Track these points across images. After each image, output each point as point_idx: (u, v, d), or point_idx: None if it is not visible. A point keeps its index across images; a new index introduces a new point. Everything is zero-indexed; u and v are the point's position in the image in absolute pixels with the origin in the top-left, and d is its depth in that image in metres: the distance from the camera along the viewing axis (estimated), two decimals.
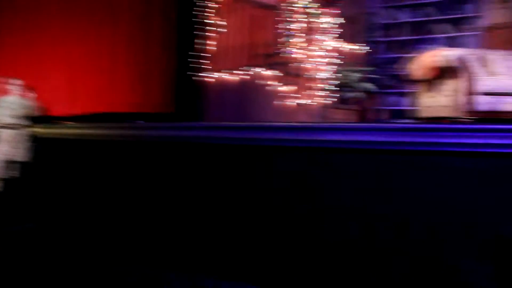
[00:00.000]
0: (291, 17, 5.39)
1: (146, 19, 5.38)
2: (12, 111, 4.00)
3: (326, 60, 5.24)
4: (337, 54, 5.40)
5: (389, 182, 2.46)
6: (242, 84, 5.26)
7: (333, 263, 2.51)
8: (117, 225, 3.28)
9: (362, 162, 2.47)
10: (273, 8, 5.57)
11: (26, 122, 3.98)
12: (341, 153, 2.50)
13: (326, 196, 2.54)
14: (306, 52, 5.25)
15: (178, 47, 5.47)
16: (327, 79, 5.14)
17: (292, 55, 5.28)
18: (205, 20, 5.42)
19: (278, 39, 5.41)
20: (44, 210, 3.93)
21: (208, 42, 5.41)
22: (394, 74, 7.49)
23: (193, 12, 5.43)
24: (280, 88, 5.19)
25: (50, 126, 4.23)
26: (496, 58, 5.17)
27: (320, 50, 5.30)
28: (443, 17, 7.75)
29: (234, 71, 5.32)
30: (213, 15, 5.46)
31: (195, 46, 5.42)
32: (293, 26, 5.35)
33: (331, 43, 5.30)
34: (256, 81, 5.22)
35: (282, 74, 5.23)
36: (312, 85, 5.25)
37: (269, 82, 5.22)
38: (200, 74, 5.31)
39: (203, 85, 5.33)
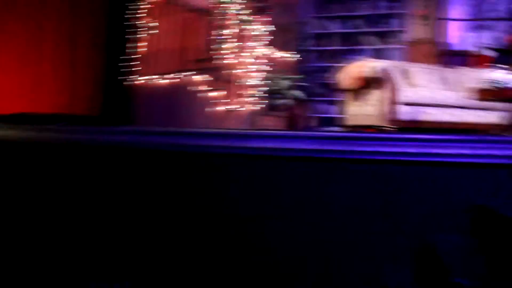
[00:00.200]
0: (224, 23, 5.40)
1: (75, 19, 5.21)
2: None
3: (257, 67, 5.30)
4: (268, 61, 5.47)
5: (313, 189, 2.50)
6: (173, 88, 5.20)
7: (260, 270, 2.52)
8: (35, 233, 3.13)
9: (285, 169, 2.50)
10: (205, 12, 5.55)
11: None
12: (266, 159, 2.52)
13: (249, 203, 2.55)
14: (237, 58, 5.28)
15: (108, 48, 5.33)
16: (258, 85, 5.19)
17: (224, 61, 5.29)
18: (136, 22, 5.31)
19: (210, 44, 5.40)
20: None
21: (139, 45, 5.30)
22: (324, 82, 7.72)
23: (125, 14, 5.30)
24: (210, 94, 5.18)
25: None
26: (417, 70, 5.46)
27: (251, 57, 5.34)
28: (371, 30, 8.08)
29: (165, 75, 5.25)
30: (145, 17, 5.36)
31: (126, 48, 5.29)
32: (225, 31, 5.35)
33: (262, 50, 5.36)
34: (187, 86, 5.18)
35: (213, 80, 5.22)
36: (243, 91, 5.28)
37: (200, 88, 5.20)
38: (130, 77, 5.18)
39: (133, 88, 5.21)
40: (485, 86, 4.16)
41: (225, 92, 5.20)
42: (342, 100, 5.74)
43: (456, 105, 5.14)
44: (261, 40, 5.35)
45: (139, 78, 5.17)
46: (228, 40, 5.31)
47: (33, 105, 4.86)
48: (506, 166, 2.28)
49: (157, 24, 5.38)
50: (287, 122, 5.61)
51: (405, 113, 4.88)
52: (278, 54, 5.72)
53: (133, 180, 2.77)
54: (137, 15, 5.24)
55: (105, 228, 2.84)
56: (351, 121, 5.53)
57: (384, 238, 2.38)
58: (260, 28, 5.37)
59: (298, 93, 5.45)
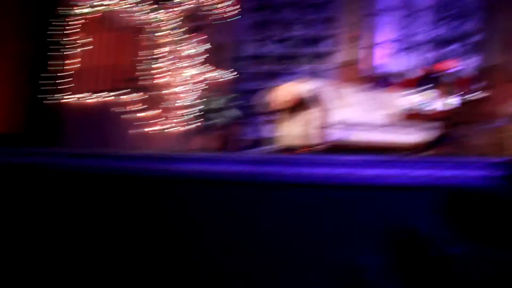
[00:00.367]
0: (156, 42, 5.34)
1: None
2: None
3: (190, 86, 5.26)
4: (202, 81, 5.45)
5: (240, 212, 2.48)
6: (102, 107, 5.05)
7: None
8: None
9: (213, 192, 2.47)
10: (138, 31, 5.47)
11: None
12: (192, 183, 2.49)
13: (175, 226, 2.50)
14: (170, 77, 5.22)
15: (34, 66, 5.13)
16: (190, 105, 5.15)
17: (156, 80, 5.21)
18: (65, 40, 5.15)
19: (142, 63, 5.31)
20: None
21: (67, 62, 5.14)
22: (258, 103, 7.77)
23: (52, 31, 5.13)
24: (141, 114, 5.08)
25: None
26: (348, 92, 5.61)
27: (184, 77, 5.30)
28: (305, 51, 8.26)
29: (95, 94, 5.10)
30: (75, 34, 5.21)
31: (53, 66, 5.11)
32: (157, 50, 5.29)
33: (196, 70, 5.34)
34: (117, 105, 5.05)
35: (144, 99, 5.13)
36: (175, 111, 5.21)
37: (130, 107, 5.08)
38: (57, 95, 5.00)
39: (60, 106, 5.02)
40: (410, 108, 4.34)
41: (156, 112, 5.12)
42: (275, 120, 5.80)
43: (384, 125, 5.32)
44: (194, 60, 5.33)
45: (67, 96, 5.00)
46: (161, 59, 5.25)
47: None
48: (427, 186, 2.37)
49: (87, 41, 5.24)
50: (220, 142, 5.59)
51: (335, 133, 4.99)
52: (213, 74, 5.70)
53: (49, 200, 2.65)
54: (65, 32, 5.09)
55: (24, 250, 2.69)
56: (283, 142, 5.58)
57: (309, 258, 2.40)
58: (193, 47, 5.35)
59: (232, 113, 5.45)
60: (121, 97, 4.99)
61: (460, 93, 4.56)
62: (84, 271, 2.54)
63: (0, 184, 2.80)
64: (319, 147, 4.94)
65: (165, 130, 5.14)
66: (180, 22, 5.34)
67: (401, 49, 8.54)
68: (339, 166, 2.44)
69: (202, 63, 5.48)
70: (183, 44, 5.37)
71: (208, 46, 5.78)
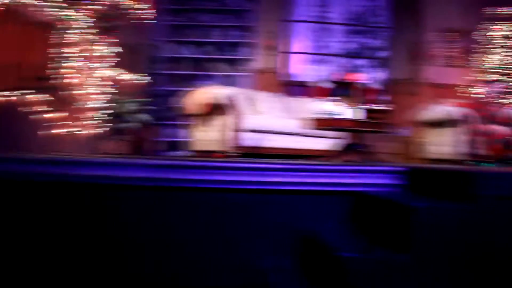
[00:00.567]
0: (67, 40, 5.09)
1: None
2: None
3: (102, 88, 5.06)
4: (114, 83, 5.27)
5: (151, 218, 2.43)
6: (7, 107, 4.72)
7: None
8: None
9: (121, 197, 2.39)
10: (47, 27, 5.18)
11: None
12: (100, 188, 2.39)
13: (81, 232, 2.39)
14: (80, 78, 4.99)
15: None
16: (101, 108, 4.96)
17: (65, 81, 4.96)
18: None
19: (51, 62, 5.04)
20: None
21: None
22: (173, 106, 7.68)
23: None
24: (49, 115, 4.81)
25: None
26: (262, 98, 5.71)
27: (96, 78, 5.09)
28: (221, 57, 8.29)
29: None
30: None
31: None
32: (67, 50, 5.04)
33: (108, 71, 5.15)
34: (24, 105, 4.74)
35: (52, 100, 4.86)
36: (85, 113, 5.00)
37: (38, 108, 4.80)
38: None
39: None
40: (321, 115, 4.48)
41: (64, 114, 4.87)
42: (189, 125, 5.76)
43: (296, 132, 5.46)
44: (106, 61, 5.14)
45: None
46: (71, 58, 5.01)
47: None
48: (334, 192, 2.45)
49: None
50: (132, 146, 5.44)
51: (249, 139, 5.05)
52: (126, 76, 5.53)
53: None
54: None
55: None
56: (197, 146, 5.56)
57: (217, 261, 2.40)
58: (106, 48, 5.16)
59: (145, 117, 5.32)
60: (28, 96, 4.69)
61: (367, 104, 4.79)
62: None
63: None
64: (232, 152, 4.97)
65: (75, 133, 4.90)
66: (93, 21, 5.13)
67: (315, 59, 8.84)
68: (250, 171, 2.46)
69: (115, 65, 5.30)
70: (95, 44, 5.16)
71: (122, 47, 5.60)
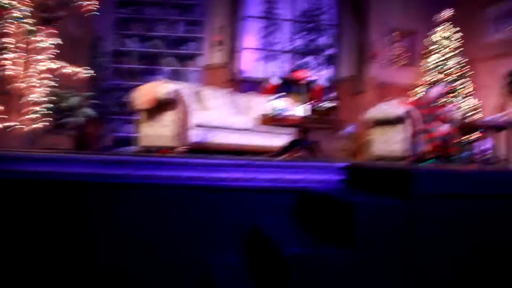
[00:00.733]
0: (4, 31, 4.84)
1: None
2: None
3: (43, 81, 4.86)
4: (56, 76, 5.07)
5: (97, 215, 2.35)
6: None
7: None
8: None
9: (62, 194, 2.31)
10: None
11: None
12: (40, 184, 2.29)
13: (22, 229, 2.29)
14: (19, 70, 4.77)
15: None
16: (42, 102, 4.76)
17: (4, 72, 4.73)
18: None
19: None
20: None
21: None
22: (120, 101, 7.51)
23: None
24: None
25: None
26: (210, 94, 5.66)
27: (37, 70, 4.88)
28: (170, 51, 8.16)
29: None
30: None
31: None
32: (5, 40, 4.80)
33: (50, 64, 4.95)
34: None
35: None
36: (24, 107, 4.78)
37: None
38: None
39: None
40: (268, 112, 4.49)
41: (2, 107, 4.64)
42: (137, 120, 5.65)
43: (244, 128, 5.46)
44: (48, 53, 4.93)
45: None
46: (8, 50, 4.77)
47: None
48: (280, 189, 2.46)
49: None
50: (76, 141, 5.26)
51: (196, 135, 4.99)
52: (69, 69, 5.34)
53: None
54: None
55: None
56: (145, 142, 5.45)
57: (164, 260, 2.36)
58: (47, 40, 4.95)
59: (89, 111, 5.16)
60: None
61: (314, 101, 4.84)
62: None
63: None
64: (179, 148, 4.91)
65: (13, 128, 4.68)
66: (33, 11, 4.90)
67: (264, 55, 8.87)
68: (197, 167, 2.43)
69: (57, 57, 5.10)
70: (35, 35, 4.94)
71: (64, 39, 5.40)
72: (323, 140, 5.95)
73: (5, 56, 4.67)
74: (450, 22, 8.40)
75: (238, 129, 5.41)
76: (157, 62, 8.15)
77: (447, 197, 1.79)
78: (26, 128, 4.64)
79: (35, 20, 4.85)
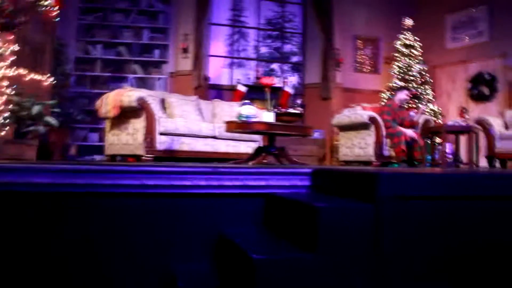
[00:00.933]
0: None
1: None
2: None
3: (3, 89, 4.71)
4: (18, 84, 4.93)
5: (61, 225, 2.29)
6: None
7: None
8: None
9: (20, 204, 2.24)
10: None
11: None
12: None
13: None
14: None
15: None
16: (3, 110, 4.62)
17: None
18: None
19: None
20: None
21: None
22: (85, 109, 7.39)
23: None
24: None
25: None
26: (176, 101, 5.62)
27: None
28: (135, 59, 8.07)
29: None
30: None
31: None
32: None
33: (8, 71, 4.81)
34: None
35: None
36: None
37: None
38: None
39: None
40: (235, 118, 4.49)
41: None
42: (102, 129, 5.56)
43: (210, 135, 5.44)
44: (6, 60, 4.79)
45: None
46: None
47: None
48: (246, 195, 2.46)
49: None
50: (39, 151, 5.13)
51: (162, 142, 4.95)
52: (29, 76, 5.21)
53: None
54: None
55: None
56: (110, 150, 5.36)
57: (127, 269, 2.32)
58: (7, 47, 4.82)
59: (52, 120, 5.03)
60: None
61: (281, 107, 4.87)
62: None
63: None
64: (145, 156, 4.85)
65: None
66: None
67: (231, 63, 8.88)
68: (162, 175, 2.40)
69: (18, 65, 4.97)
70: None
71: (25, 46, 5.27)
72: (290, 145, 5.99)
73: None
74: (412, 30, 8.61)
75: (205, 136, 5.38)
76: (122, 70, 8.06)
77: (411, 199, 1.83)
78: None
79: None
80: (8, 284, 2.22)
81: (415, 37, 8.58)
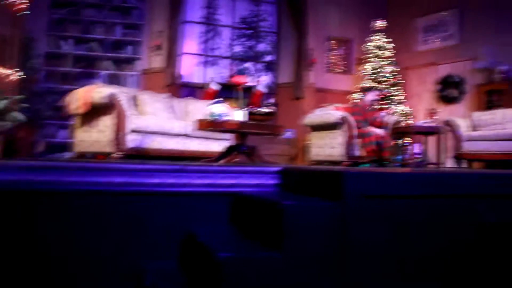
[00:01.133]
0: None
1: None
2: None
3: None
4: None
5: (29, 223, 2.25)
6: None
7: None
8: None
9: None
10: None
11: None
12: None
13: None
14: None
15: None
16: None
17: None
18: None
19: None
20: None
21: None
22: (55, 105, 7.24)
23: None
24: None
25: None
26: (148, 99, 5.57)
27: None
28: (106, 55, 7.96)
29: None
30: None
31: None
32: None
33: None
34: None
35: None
36: None
37: None
38: None
39: None
40: (207, 117, 4.47)
41: None
42: (71, 125, 5.47)
43: (182, 133, 5.41)
44: None
45: None
46: None
47: None
48: (215, 193, 2.45)
49: None
50: (5, 147, 5.01)
51: (133, 140, 4.89)
52: None
53: None
54: None
55: None
56: (80, 147, 5.28)
57: (94, 267, 2.29)
58: None
59: (20, 116, 4.93)
60: None
61: (253, 106, 4.88)
62: None
63: None
64: (116, 154, 4.79)
65: None
66: None
67: (204, 61, 8.85)
68: (131, 173, 2.38)
69: None
70: None
71: None
72: (262, 145, 6.01)
73: None
74: (384, 32, 8.73)
75: (176, 134, 5.35)
76: (94, 66, 7.93)
77: (376, 198, 1.86)
78: None
79: None
80: None
81: (387, 39, 8.70)
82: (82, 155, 5.34)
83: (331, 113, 6.08)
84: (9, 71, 5.37)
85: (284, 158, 8.02)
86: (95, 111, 5.01)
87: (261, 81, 8.49)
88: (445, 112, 8.31)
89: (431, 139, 6.57)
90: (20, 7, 5.36)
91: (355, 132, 5.92)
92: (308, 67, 8.68)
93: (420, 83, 9.09)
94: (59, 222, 2.28)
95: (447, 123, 6.57)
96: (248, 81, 5.35)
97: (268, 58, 9.29)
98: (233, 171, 2.53)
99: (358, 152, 5.94)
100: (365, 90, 6.59)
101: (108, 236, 2.33)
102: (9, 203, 2.23)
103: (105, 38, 7.97)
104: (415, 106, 8.93)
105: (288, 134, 8.37)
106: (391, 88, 8.43)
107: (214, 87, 7.38)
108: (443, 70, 8.69)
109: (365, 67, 8.65)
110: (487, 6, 8.04)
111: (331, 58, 9.33)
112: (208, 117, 4.42)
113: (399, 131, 6.17)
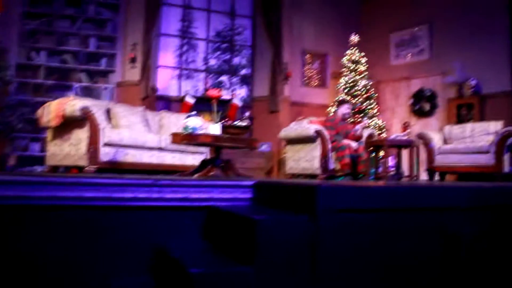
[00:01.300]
0: None
1: None
2: None
3: None
4: None
5: None
6: None
7: None
8: None
9: None
10: None
11: None
12: None
13: None
14: None
15: None
16: None
17: None
18: None
19: None
20: None
21: None
22: (26, 118, 7.12)
23: None
24: None
25: None
26: (122, 111, 5.51)
27: None
28: (80, 67, 7.87)
29: None
30: None
31: None
32: None
33: None
34: None
35: None
36: None
37: None
38: None
39: None
40: (182, 130, 4.45)
41: None
42: (44, 138, 5.37)
43: (157, 147, 5.36)
44: None
45: None
46: None
47: None
48: (188, 208, 2.43)
49: None
50: None
51: (106, 153, 4.83)
52: None
53: None
54: None
55: None
56: (52, 161, 5.19)
57: (62, 284, 2.24)
58: None
59: None
60: None
61: (228, 119, 4.88)
62: None
63: None
64: (89, 168, 4.72)
65: None
66: None
67: (179, 74, 8.82)
68: (104, 187, 2.35)
69: None
70: None
71: None
72: (237, 158, 6.00)
73: None
74: (358, 47, 8.86)
75: (151, 148, 5.30)
76: (67, 78, 7.83)
77: (349, 212, 1.86)
78: None
79: None
80: None
81: (362, 53, 8.83)
82: (55, 169, 5.25)
83: (306, 126, 6.12)
84: None
85: (260, 171, 8.02)
86: (68, 124, 4.93)
87: (237, 95, 8.52)
88: (418, 126, 8.45)
89: (405, 152, 6.66)
90: None
91: (330, 145, 5.96)
92: (283, 80, 8.73)
93: (393, 97, 9.24)
94: (26, 238, 2.23)
95: (420, 136, 6.67)
96: (223, 94, 5.35)
97: (243, 71, 9.32)
98: (207, 185, 2.51)
99: (333, 165, 5.97)
100: (338, 103, 6.66)
101: (77, 252, 2.28)
102: None
103: (79, 50, 7.89)
104: (389, 120, 9.06)
105: (264, 147, 8.38)
106: (366, 102, 8.54)
107: (190, 100, 7.38)
108: (416, 84, 8.86)
109: (340, 80, 8.75)
110: (457, 22, 8.26)
111: (306, 71, 9.42)
112: (183, 131, 4.39)
113: (373, 145, 6.24)
